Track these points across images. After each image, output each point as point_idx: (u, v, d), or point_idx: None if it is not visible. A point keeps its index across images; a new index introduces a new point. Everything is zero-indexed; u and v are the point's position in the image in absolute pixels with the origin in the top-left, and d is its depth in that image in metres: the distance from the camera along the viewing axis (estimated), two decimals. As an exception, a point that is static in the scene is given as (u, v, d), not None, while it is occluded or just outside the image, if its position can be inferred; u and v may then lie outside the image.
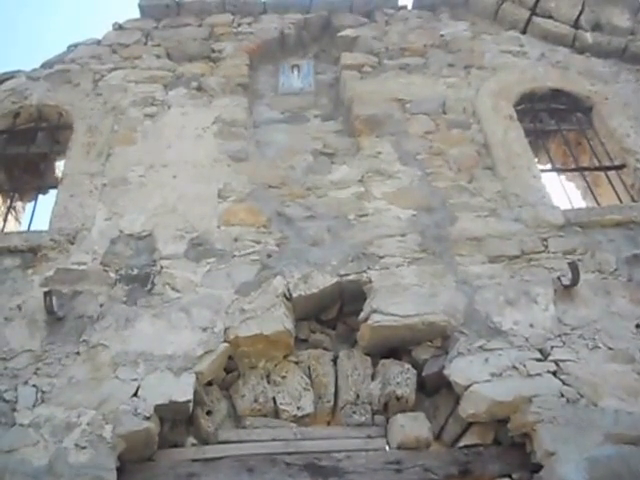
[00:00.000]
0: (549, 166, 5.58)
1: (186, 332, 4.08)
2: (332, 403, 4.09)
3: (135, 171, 5.08)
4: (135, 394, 3.79)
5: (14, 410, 3.73)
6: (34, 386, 3.84)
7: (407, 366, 4.09)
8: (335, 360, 4.25)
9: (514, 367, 3.89)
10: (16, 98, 5.78)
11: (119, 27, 6.50)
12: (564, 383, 3.82)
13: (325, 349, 4.32)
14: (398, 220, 4.71)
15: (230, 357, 4.13)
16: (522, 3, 6.52)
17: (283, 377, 4.14)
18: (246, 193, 4.91)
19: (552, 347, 3.99)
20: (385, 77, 5.97)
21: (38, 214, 5.17)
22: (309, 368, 4.20)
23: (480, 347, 4.00)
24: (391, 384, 4.00)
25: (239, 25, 6.53)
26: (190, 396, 3.80)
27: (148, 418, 3.68)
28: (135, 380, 3.85)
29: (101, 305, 4.24)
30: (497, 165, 5.11)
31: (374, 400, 4.04)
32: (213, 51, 6.25)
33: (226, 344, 4.06)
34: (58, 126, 5.71)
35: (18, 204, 5.82)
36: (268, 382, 4.12)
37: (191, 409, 3.83)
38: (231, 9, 6.64)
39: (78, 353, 4.00)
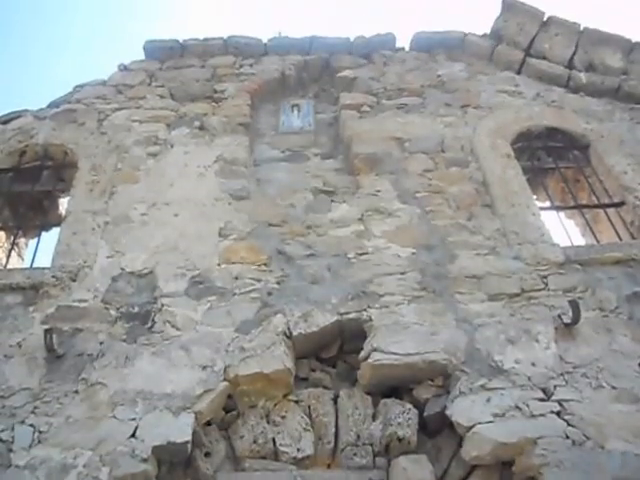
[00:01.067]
0: (548, 203, 5.62)
1: (186, 370, 4.07)
2: (332, 444, 4.04)
3: (137, 209, 5.13)
4: (133, 434, 3.76)
5: (10, 451, 3.72)
6: (31, 425, 3.83)
7: (408, 406, 4.06)
8: (335, 399, 4.21)
9: (517, 407, 3.86)
10: (22, 137, 5.89)
11: (124, 68, 6.64)
12: (569, 424, 3.78)
13: (325, 388, 4.29)
14: (398, 258, 4.73)
15: (229, 396, 4.11)
16: (516, 45, 6.65)
17: (283, 417, 4.10)
18: (247, 231, 4.95)
19: (555, 386, 3.97)
20: (383, 116, 6.06)
21: (40, 251, 5.23)
22: (309, 407, 4.16)
23: (482, 386, 3.98)
24: (392, 425, 3.96)
25: (241, 66, 6.66)
26: (189, 437, 3.77)
27: (145, 460, 3.65)
28: (133, 420, 3.83)
29: (101, 343, 4.25)
30: (496, 203, 5.15)
31: (375, 441, 3.99)
32: (215, 91, 6.36)
33: (226, 383, 4.04)
34: (63, 164, 5.80)
35: (21, 240, 5.87)
36: (268, 422, 4.08)
37: (189, 450, 3.79)
38: (233, 51, 6.78)
39: (77, 392, 3.99)
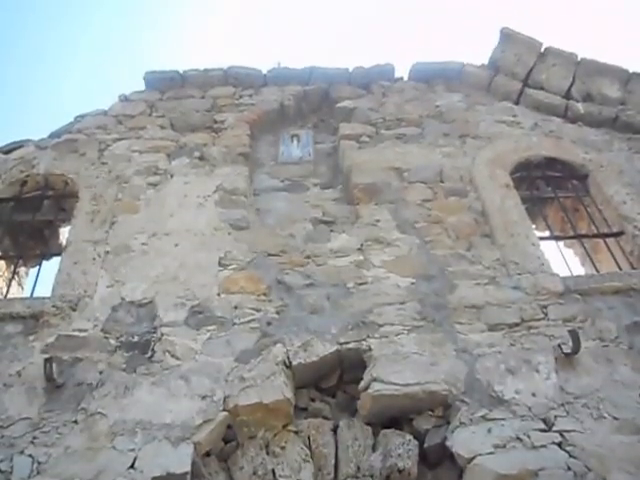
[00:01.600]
0: (547, 233, 5.63)
1: (185, 400, 4.06)
2: (332, 475, 4.01)
3: (138, 239, 5.15)
4: (132, 465, 3.74)
5: (9, 481, 3.68)
6: (30, 456, 3.81)
7: (409, 437, 4.03)
8: (335, 429, 4.19)
9: (518, 438, 3.84)
10: (24, 167, 5.92)
11: (125, 98, 6.69)
12: (570, 455, 3.76)
13: (325, 418, 4.27)
14: (397, 288, 4.73)
15: (229, 426, 4.09)
16: (514, 75, 6.71)
17: (282, 447, 4.07)
18: (246, 261, 4.96)
19: (556, 417, 3.96)
20: (382, 146, 6.09)
21: (41, 280, 5.24)
22: (309, 438, 4.13)
23: (482, 417, 3.97)
24: (393, 456, 3.93)
25: (240, 97, 6.70)
26: (188, 468, 3.75)
27: (145, 491, 3.62)
28: (132, 450, 3.81)
29: (100, 372, 4.25)
30: (495, 233, 5.16)
31: (376, 472, 3.96)
32: (215, 122, 6.40)
33: (225, 413, 4.03)
34: (64, 194, 5.83)
35: (21, 270, 5.87)
36: (267, 453, 4.05)
37: (189, 482, 3.77)
38: (233, 82, 6.83)
39: (76, 422, 3.98)
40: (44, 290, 4.98)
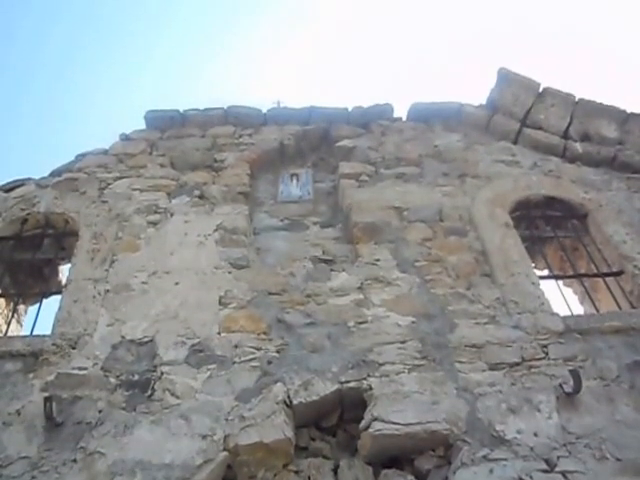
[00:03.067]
0: (546, 272, 5.66)
1: (185, 440, 4.04)
2: (333, 517, 3.97)
3: (138, 277, 5.15)
4: (131, 507, 3.69)
5: (7, 523, 3.64)
6: (28, 496, 3.76)
7: (410, 477, 4.01)
8: (336, 469, 4.15)
9: (520, 479, 3.82)
10: (25, 205, 5.94)
11: (126, 137, 6.74)
12: (573, 497, 3.73)
13: (325, 457, 4.24)
14: (397, 327, 4.73)
15: (229, 466, 4.06)
16: (512, 115, 6.78)
17: (283, 488, 4.04)
18: (247, 300, 4.96)
19: (558, 457, 3.93)
20: (382, 186, 6.12)
21: (40, 318, 5.21)
22: (309, 478, 4.10)
23: (484, 457, 3.94)
24: (394, 497, 3.90)
25: (240, 136, 6.75)
26: (188, 509, 3.70)
27: (145, 533, 3.58)
28: (132, 491, 3.76)
29: (100, 411, 4.23)
30: (495, 272, 5.18)
31: (377, 513, 3.92)
32: (215, 161, 6.43)
33: (225, 453, 4.01)
34: (64, 233, 5.85)
35: (21, 307, 5.86)
36: (267, 493, 4.02)
37: (189, 523, 3.73)
38: (233, 121, 6.89)
39: (75, 461, 3.96)
40: (44, 328, 4.98)
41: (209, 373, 4.43)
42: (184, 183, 6.16)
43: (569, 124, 6.65)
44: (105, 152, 6.56)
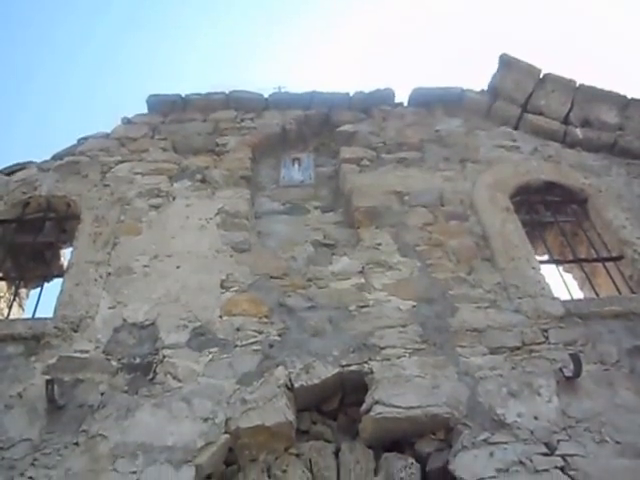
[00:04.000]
0: (546, 257, 5.66)
1: (187, 423, 4.06)
2: (334, 500, 3.99)
3: (140, 261, 5.16)
4: (133, 488, 3.71)
5: (9, 504, 3.66)
6: (30, 478, 3.81)
7: (411, 460, 4.02)
8: (337, 452, 4.18)
9: (521, 462, 3.84)
10: (26, 189, 5.94)
11: (128, 121, 6.73)
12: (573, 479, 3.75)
13: (326, 441, 4.26)
14: (399, 311, 4.74)
15: (230, 449, 4.08)
16: (513, 101, 6.77)
17: (284, 471, 4.05)
18: (248, 284, 4.97)
19: (558, 441, 3.96)
20: (383, 170, 6.13)
21: (42, 301, 5.22)
22: (310, 461, 4.12)
23: (484, 440, 3.96)
24: (395, 479, 3.91)
25: (242, 120, 6.74)
26: (189, 491, 3.73)
27: (146, 515, 3.61)
28: (134, 473, 3.81)
29: (102, 394, 4.24)
30: (496, 256, 5.19)
31: (378, 497, 3.94)
32: (217, 145, 6.43)
33: (227, 435, 4.03)
34: (66, 216, 5.85)
35: (22, 291, 5.88)
36: (269, 476, 4.03)
37: (190, 504, 3.75)
38: (235, 105, 6.88)
39: (77, 444, 3.97)
40: (45, 311, 4.98)
41: (211, 356, 4.44)
42: (186, 167, 6.15)
43: (570, 110, 6.64)
44: (107, 136, 6.55)
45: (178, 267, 5.10)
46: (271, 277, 5.05)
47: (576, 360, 4.24)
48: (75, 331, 4.63)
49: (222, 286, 4.95)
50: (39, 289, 5.42)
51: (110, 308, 4.79)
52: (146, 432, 4.00)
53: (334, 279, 5.02)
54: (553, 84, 6.70)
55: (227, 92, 6.93)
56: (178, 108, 6.87)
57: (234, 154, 6.30)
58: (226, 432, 4.03)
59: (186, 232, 5.42)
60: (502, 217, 5.53)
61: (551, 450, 3.91)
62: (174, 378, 4.31)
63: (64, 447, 3.94)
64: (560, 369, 4.32)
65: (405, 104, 7.00)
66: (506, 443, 3.94)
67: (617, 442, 3.96)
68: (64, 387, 4.24)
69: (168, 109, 6.86)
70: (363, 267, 5.10)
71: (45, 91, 18.18)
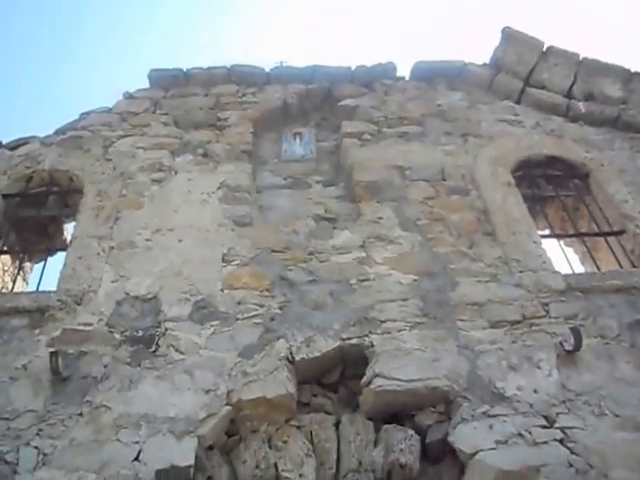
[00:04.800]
0: (548, 231, 5.67)
1: (189, 394, 4.10)
2: (334, 470, 4.04)
3: (142, 235, 5.18)
4: (136, 458, 3.79)
5: (15, 472, 3.75)
6: (36, 448, 3.86)
7: (410, 432, 4.05)
8: (337, 425, 4.22)
9: (520, 434, 3.88)
10: (29, 163, 5.95)
11: (129, 96, 6.72)
12: (572, 452, 3.80)
13: (327, 413, 4.31)
14: (399, 285, 4.76)
15: (232, 420, 4.13)
16: (516, 74, 6.73)
17: (285, 442, 4.10)
18: (250, 257, 4.99)
19: (557, 414, 3.99)
20: (385, 145, 6.11)
21: (45, 275, 5.27)
22: (311, 433, 4.17)
23: (484, 413, 4.00)
24: (395, 451, 3.96)
25: (244, 95, 6.72)
26: (191, 461, 3.79)
27: (149, 484, 3.66)
28: (137, 443, 3.86)
29: (105, 366, 4.29)
30: (497, 231, 5.19)
31: (377, 468, 3.98)
32: (219, 119, 6.42)
33: (228, 407, 4.07)
34: (69, 190, 5.87)
35: (26, 265, 5.92)
36: (270, 447, 4.08)
37: (192, 475, 3.80)
38: (236, 80, 6.85)
39: (81, 414, 4.03)
40: (48, 285, 5.04)
41: (212, 329, 4.48)
42: (188, 142, 6.15)
43: (573, 83, 6.59)
44: (109, 111, 6.55)
45: (180, 241, 5.12)
46: (272, 251, 5.07)
47: (576, 334, 4.26)
48: (78, 304, 4.67)
49: (224, 260, 4.97)
50: (43, 263, 5.48)
51: (113, 282, 4.82)
52: (149, 403, 4.04)
53: (335, 253, 5.04)
54: (556, 57, 6.65)
55: (229, 66, 6.89)
56: (180, 83, 6.85)
57: (236, 128, 6.29)
58: (228, 404, 4.08)
59: (188, 206, 5.43)
60: (503, 192, 5.52)
61: (550, 423, 3.95)
62: (176, 350, 4.35)
63: (68, 418, 3.99)
64: (560, 343, 4.34)
65: (407, 78, 6.96)
66: (505, 416, 3.98)
67: (616, 415, 3.99)
68: (68, 359, 4.29)
69: (170, 84, 6.84)
70: (364, 241, 5.12)
71: (47, 65, 18.11)
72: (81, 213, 5.42)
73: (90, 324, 4.54)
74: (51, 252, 5.62)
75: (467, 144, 6.09)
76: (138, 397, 4.09)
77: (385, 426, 4.14)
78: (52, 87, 18.15)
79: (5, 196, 5.74)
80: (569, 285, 4.75)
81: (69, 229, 6.04)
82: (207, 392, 4.11)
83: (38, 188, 5.90)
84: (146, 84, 6.86)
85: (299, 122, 6.66)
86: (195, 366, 4.25)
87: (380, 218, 5.31)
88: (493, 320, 4.54)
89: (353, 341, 4.41)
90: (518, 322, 4.53)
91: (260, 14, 19.39)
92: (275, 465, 4.01)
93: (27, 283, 5.92)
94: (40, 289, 5.01)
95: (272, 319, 4.55)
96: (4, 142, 6.21)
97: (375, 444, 4.10)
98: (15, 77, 17.74)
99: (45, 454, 3.81)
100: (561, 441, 3.85)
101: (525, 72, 6.69)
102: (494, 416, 3.98)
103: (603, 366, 4.26)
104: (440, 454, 4.03)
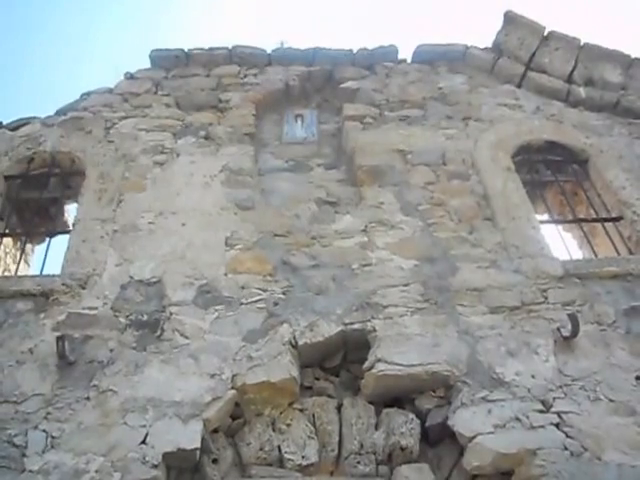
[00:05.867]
0: (546, 216, 5.72)
1: (194, 378, 4.16)
2: (336, 452, 4.13)
3: (145, 218, 5.20)
4: (143, 441, 3.85)
5: (24, 455, 3.80)
6: (44, 431, 3.91)
7: (411, 416, 4.15)
8: (339, 408, 4.31)
9: (517, 419, 3.96)
10: (31, 144, 5.93)
11: (131, 76, 6.68)
12: (567, 436, 3.89)
13: (329, 396, 4.39)
14: (401, 270, 4.82)
15: (236, 403, 4.20)
16: (517, 58, 6.73)
17: (288, 425, 4.19)
18: (253, 241, 5.03)
19: (554, 398, 4.08)
20: (386, 128, 6.13)
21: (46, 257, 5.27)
22: (314, 416, 4.25)
23: (483, 398, 4.08)
24: (395, 434, 4.06)
25: (245, 76, 6.71)
26: (198, 444, 3.86)
27: (156, 466, 3.75)
28: (144, 427, 3.92)
29: (111, 350, 4.33)
30: (497, 216, 5.24)
31: (378, 450, 4.09)
32: (220, 101, 6.40)
33: (233, 391, 4.14)
34: (70, 172, 5.87)
35: (28, 247, 5.94)
36: (273, 430, 4.17)
37: (198, 457, 3.89)
38: (237, 60, 6.83)
39: (88, 398, 4.08)
40: (50, 267, 5.08)
41: (217, 314, 4.52)
42: (189, 123, 6.14)
43: (573, 68, 6.59)
44: (110, 91, 6.52)
45: (183, 224, 5.14)
46: (275, 235, 5.10)
47: (574, 320, 4.32)
48: (83, 288, 4.69)
49: (227, 244, 5.00)
50: (45, 245, 5.50)
51: (117, 265, 4.85)
52: (155, 387, 4.10)
53: (337, 237, 5.08)
54: (557, 42, 6.65)
55: (230, 47, 6.86)
56: (181, 63, 6.82)
57: (237, 110, 6.28)
58: (232, 388, 4.14)
59: (191, 189, 5.45)
60: (503, 177, 5.56)
61: (547, 407, 4.03)
62: (181, 335, 4.40)
63: (75, 401, 4.04)
64: (558, 329, 4.41)
65: (409, 61, 6.95)
66: (504, 400, 4.06)
67: (611, 400, 4.08)
68: (74, 343, 4.32)
69: (171, 64, 6.81)
70: (366, 226, 5.16)
71: (47, 45, 17.92)
72: (83, 196, 5.43)
73: (95, 308, 4.57)
74: (52, 234, 5.61)
75: (468, 128, 6.11)
76: (144, 381, 4.13)
77: (386, 409, 4.24)
78: (53, 67, 17.99)
79: (7, 177, 5.74)
80: (567, 271, 4.81)
81: (70, 211, 6.09)
82: (212, 376, 4.16)
83: (40, 169, 5.89)
84: (147, 65, 6.82)
85: (300, 104, 6.66)
86: (200, 350, 4.30)
87: (382, 203, 5.34)
88: (492, 306, 4.60)
89: (355, 326, 4.47)
90: (517, 308, 4.59)
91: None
92: (279, 447, 4.11)
93: (28, 265, 5.94)
94: (43, 271, 5.03)
95: (275, 304, 4.60)
96: (5, 122, 6.19)
97: (376, 427, 4.19)
98: (15, 57, 17.57)
99: (53, 437, 3.86)
100: (557, 425, 3.94)
101: (526, 56, 6.69)
102: (493, 401, 4.06)
103: (599, 352, 4.34)
104: (440, 437, 4.13)
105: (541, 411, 4.02)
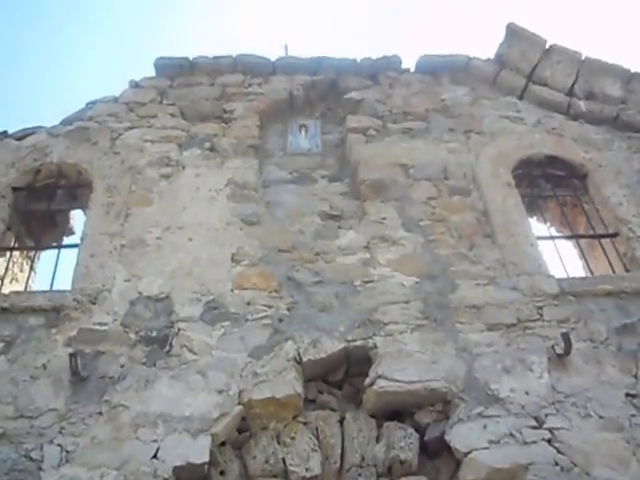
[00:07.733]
0: (545, 228, 5.86)
1: (203, 394, 4.31)
2: (338, 465, 4.29)
3: (152, 232, 5.29)
4: (155, 455, 4.01)
5: (40, 469, 3.96)
6: (59, 445, 4.07)
7: (410, 430, 4.31)
8: (342, 421, 4.46)
9: (511, 434, 4.13)
10: (37, 155, 5.99)
11: (135, 85, 6.73)
12: (558, 451, 4.06)
13: (332, 410, 4.54)
14: (402, 287, 4.95)
15: (243, 418, 4.35)
16: (519, 71, 6.81)
17: (292, 438, 4.34)
18: (258, 257, 5.13)
19: (546, 415, 4.24)
20: (389, 141, 6.21)
21: (51, 268, 5.39)
22: (317, 429, 4.41)
23: (479, 414, 4.24)
24: (395, 448, 4.22)
25: (249, 85, 6.76)
26: (206, 458, 4.03)
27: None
28: (155, 441, 4.08)
29: (122, 366, 4.47)
30: (496, 233, 5.35)
31: (379, 463, 4.24)
32: (225, 111, 6.46)
33: (240, 406, 4.29)
34: (77, 183, 5.95)
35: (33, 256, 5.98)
36: (278, 443, 4.32)
37: (206, 470, 4.05)
38: (242, 69, 6.88)
39: (100, 413, 4.23)
40: (57, 279, 5.20)
41: (223, 330, 4.65)
42: (194, 134, 6.20)
43: (574, 82, 6.68)
44: (115, 100, 6.57)
45: (190, 239, 5.24)
46: (280, 250, 5.20)
47: (566, 339, 4.47)
48: (93, 303, 4.80)
49: (233, 259, 5.10)
50: (53, 257, 5.55)
51: (126, 281, 4.95)
52: (165, 403, 4.25)
53: (340, 254, 5.19)
54: (559, 55, 6.74)
55: (234, 56, 6.92)
56: (185, 72, 6.87)
57: (242, 121, 6.34)
58: (239, 403, 4.29)
59: (197, 203, 5.53)
60: (504, 193, 5.66)
61: (539, 423, 4.20)
62: (189, 351, 4.53)
63: (89, 416, 4.19)
64: (552, 346, 4.56)
65: (412, 71, 7.01)
66: (499, 416, 4.22)
67: (600, 417, 4.24)
68: (86, 359, 4.45)
69: (175, 73, 6.86)
70: (368, 242, 5.26)
71: (51, 50, 17.92)
72: (91, 209, 5.51)
73: (105, 324, 4.69)
74: (58, 240, 5.70)
75: (470, 141, 6.20)
76: (154, 397, 4.28)
77: (386, 423, 4.39)
78: (57, 73, 18.00)
79: (14, 189, 5.80)
80: (562, 289, 4.94)
81: (75, 217, 6.19)
82: (220, 392, 4.31)
83: (46, 181, 5.95)
84: (152, 72, 6.88)
85: (304, 113, 6.72)
86: (208, 367, 4.44)
87: (384, 218, 5.44)
88: (490, 323, 4.74)
89: (358, 343, 4.62)
90: (513, 325, 4.73)
91: (266, 4, 19.10)
92: (283, 460, 4.26)
93: (35, 272, 5.96)
94: (46, 281, 5.19)
95: (280, 320, 4.73)
96: (10, 131, 6.24)
97: (377, 440, 4.35)
98: (18, 62, 17.57)
99: (68, 451, 4.02)
100: (549, 441, 4.11)
101: (528, 69, 6.77)
102: (488, 417, 4.22)
103: (590, 369, 4.50)
104: (438, 450, 4.29)
105: (534, 427, 4.18)
